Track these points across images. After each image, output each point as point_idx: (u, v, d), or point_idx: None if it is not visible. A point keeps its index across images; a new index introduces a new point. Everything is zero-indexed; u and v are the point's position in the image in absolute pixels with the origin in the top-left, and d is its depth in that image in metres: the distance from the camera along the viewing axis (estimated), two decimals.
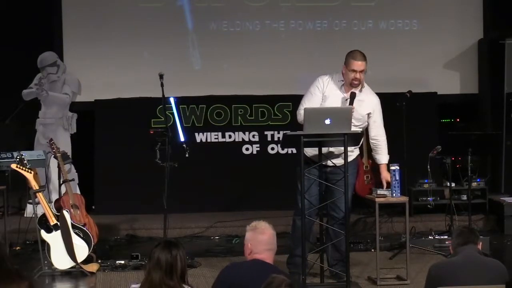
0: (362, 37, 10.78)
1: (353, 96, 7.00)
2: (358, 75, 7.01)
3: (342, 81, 7.10)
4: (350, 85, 7.06)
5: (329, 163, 6.97)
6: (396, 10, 10.96)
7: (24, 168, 7.63)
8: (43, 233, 7.62)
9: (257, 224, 4.84)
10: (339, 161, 6.92)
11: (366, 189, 9.97)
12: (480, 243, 5.14)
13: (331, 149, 6.95)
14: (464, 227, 5.22)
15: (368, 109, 7.13)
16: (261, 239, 4.75)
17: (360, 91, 7.13)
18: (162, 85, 7.94)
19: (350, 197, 6.95)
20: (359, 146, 7.19)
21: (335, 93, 7.09)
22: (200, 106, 10.58)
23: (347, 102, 7.01)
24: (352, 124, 6.77)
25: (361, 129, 7.06)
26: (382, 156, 7.32)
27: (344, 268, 6.77)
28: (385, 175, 7.22)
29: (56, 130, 10.33)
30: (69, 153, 9.49)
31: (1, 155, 8.50)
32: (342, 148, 6.72)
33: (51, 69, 10.38)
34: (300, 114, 6.95)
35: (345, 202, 6.72)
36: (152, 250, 4.46)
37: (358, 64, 7.01)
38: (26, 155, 8.01)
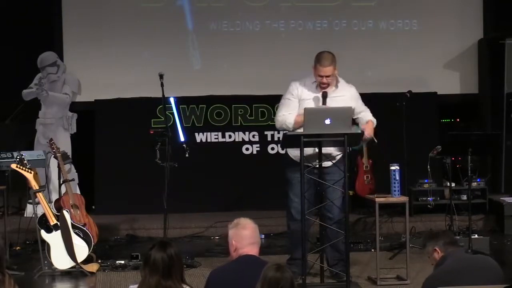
0: (362, 37, 10.80)
1: (325, 95, 7.01)
2: (325, 80, 7.01)
3: (316, 81, 7.12)
4: (323, 88, 7.08)
5: (325, 164, 6.94)
6: (396, 10, 10.96)
7: (24, 168, 7.63)
8: (43, 233, 7.62)
9: (238, 220, 4.94)
10: (326, 163, 6.89)
11: (366, 189, 9.99)
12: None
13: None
14: (435, 230, 5.14)
15: (350, 102, 7.09)
16: (244, 234, 4.84)
17: (336, 86, 7.12)
18: (162, 85, 7.94)
19: (341, 197, 6.97)
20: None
21: (310, 95, 7.11)
22: (200, 106, 10.58)
23: (320, 101, 7.02)
24: None
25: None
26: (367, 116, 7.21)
27: (344, 268, 6.77)
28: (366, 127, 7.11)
29: (56, 130, 10.33)
30: (69, 153, 9.50)
31: (1, 155, 8.49)
32: (330, 148, 6.81)
33: (51, 69, 10.38)
34: (278, 121, 7.16)
35: (345, 202, 6.71)
36: (147, 252, 4.45)
37: (324, 71, 7.00)
38: (26, 155, 8.01)
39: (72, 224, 7.71)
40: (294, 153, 7.01)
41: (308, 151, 6.74)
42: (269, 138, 10.61)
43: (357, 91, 7.24)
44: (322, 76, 6.99)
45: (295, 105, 7.10)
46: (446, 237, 5.00)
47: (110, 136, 10.47)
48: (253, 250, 4.82)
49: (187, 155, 8.17)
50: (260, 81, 10.59)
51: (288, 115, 7.09)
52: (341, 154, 7.05)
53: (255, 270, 4.29)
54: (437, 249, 4.99)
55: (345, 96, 7.11)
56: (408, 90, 8.97)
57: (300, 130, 6.84)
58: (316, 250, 7.06)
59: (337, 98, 7.06)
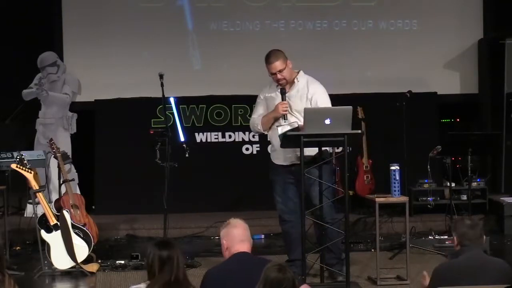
0: (362, 37, 10.80)
1: (282, 92, 7.04)
2: (279, 76, 7.05)
3: None
4: (281, 85, 7.09)
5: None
6: (396, 10, 10.96)
7: (24, 168, 7.63)
8: (43, 233, 7.62)
9: (229, 220, 5.01)
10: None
11: (366, 189, 10.00)
12: (484, 237, 5.07)
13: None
14: (471, 219, 5.09)
15: (308, 94, 7.08)
16: (234, 232, 4.90)
17: (294, 82, 7.12)
18: (162, 85, 7.95)
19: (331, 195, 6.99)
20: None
21: (272, 94, 7.19)
22: (200, 106, 10.58)
23: (278, 99, 7.04)
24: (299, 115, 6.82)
25: None
26: None
27: (342, 267, 6.77)
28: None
29: (56, 130, 10.33)
30: (69, 153, 9.49)
31: (1, 155, 8.49)
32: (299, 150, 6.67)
33: (51, 69, 10.38)
34: (250, 123, 7.39)
35: (346, 202, 6.70)
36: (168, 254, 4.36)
37: (272, 67, 7.06)
38: (26, 155, 8.01)
39: (72, 224, 7.71)
40: (272, 155, 7.25)
41: (285, 152, 6.90)
42: (269, 138, 10.58)
43: (324, 90, 7.15)
44: (274, 74, 7.06)
45: (264, 107, 7.24)
46: (468, 232, 4.94)
47: (110, 136, 10.47)
48: (244, 247, 4.86)
49: (187, 155, 8.18)
50: (260, 81, 10.55)
51: (256, 117, 7.28)
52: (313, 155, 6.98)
53: (249, 267, 4.33)
54: (455, 238, 5.00)
55: (300, 92, 7.09)
56: (408, 90, 8.97)
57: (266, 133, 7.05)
58: (316, 251, 7.05)
59: (293, 94, 7.08)
